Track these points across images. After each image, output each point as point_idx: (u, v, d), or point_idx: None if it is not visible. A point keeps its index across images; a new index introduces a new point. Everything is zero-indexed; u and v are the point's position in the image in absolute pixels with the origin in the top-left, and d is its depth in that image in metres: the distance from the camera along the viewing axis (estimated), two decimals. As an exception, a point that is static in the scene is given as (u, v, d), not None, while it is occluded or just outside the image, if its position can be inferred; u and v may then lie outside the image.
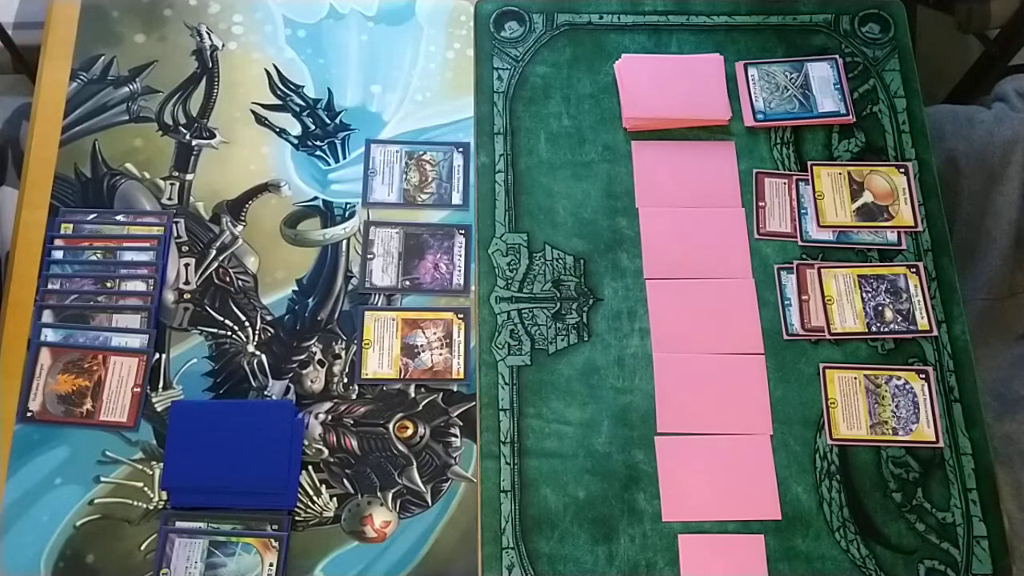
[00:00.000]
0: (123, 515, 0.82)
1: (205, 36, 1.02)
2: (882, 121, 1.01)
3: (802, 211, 0.97)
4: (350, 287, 0.92)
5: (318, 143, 0.98)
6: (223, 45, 1.02)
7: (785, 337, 0.91)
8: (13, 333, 0.88)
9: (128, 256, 0.92)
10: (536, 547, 0.83)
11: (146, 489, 0.83)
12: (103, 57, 1.01)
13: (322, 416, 0.87)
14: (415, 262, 0.93)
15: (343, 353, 0.89)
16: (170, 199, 0.95)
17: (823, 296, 0.93)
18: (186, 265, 0.92)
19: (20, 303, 0.89)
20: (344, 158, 0.98)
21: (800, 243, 0.95)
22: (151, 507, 0.83)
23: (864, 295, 0.93)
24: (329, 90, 1.01)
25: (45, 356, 0.87)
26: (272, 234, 0.94)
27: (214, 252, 0.93)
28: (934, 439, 0.88)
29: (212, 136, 0.98)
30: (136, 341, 0.88)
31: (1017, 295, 1.03)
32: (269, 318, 0.90)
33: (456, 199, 0.97)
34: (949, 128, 1.07)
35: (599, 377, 0.89)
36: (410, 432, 0.87)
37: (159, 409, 0.86)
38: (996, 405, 0.97)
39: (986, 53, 1.40)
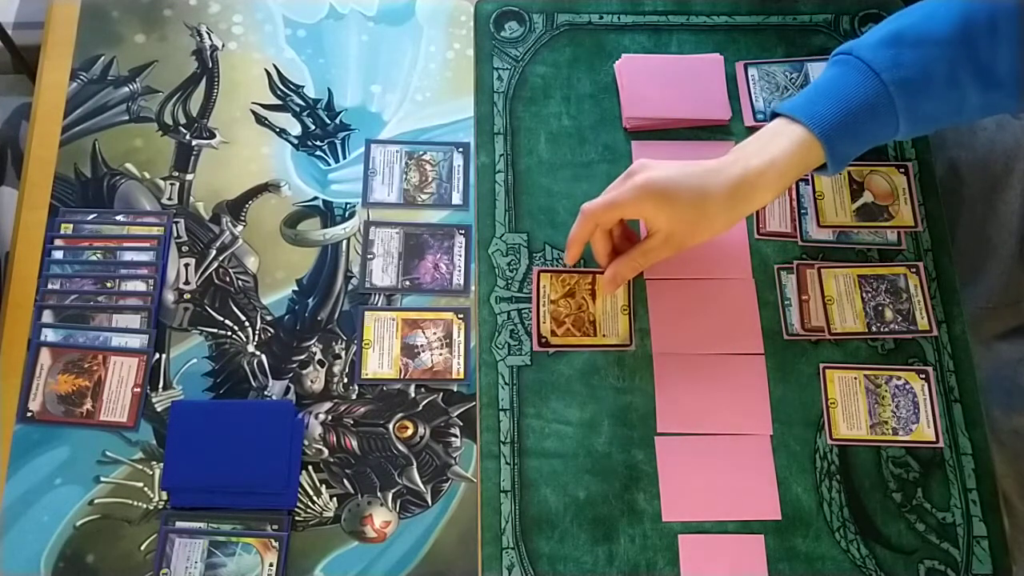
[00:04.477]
0: (123, 515, 0.82)
1: (205, 36, 1.02)
2: (882, 121, 1.01)
3: (802, 211, 0.97)
4: (350, 287, 0.92)
5: (318, 143, 0.98)
6: (223, 45, 1.02)
7: (785, 337, 0.91)
8: (13, 333, 0.88)
9: (128, 256, 0.92)
10: (536, 547, 0.83)
11: (146, 489, 0.83)
12: (103, 57, 1.01)
13: (322, 416, 0.87)
14: (415, 262, 0.93)
15: (343, 353, 0.89)
16: (170, 199, 0.95)
17: (823, 296, 0.92)
18: (186, 265, 0.92)
19: (20, 303, 0.89)
20: (344, 158, 0.98)
21: (800, 243, 0.95)
22: (151, 507, 0.83)
23: (864, 295, 0.93)
24: (329, 90, 1.01)
25: (45, 356, 0.87)
26: (272, 234, 0.94)
27: (214, 252, 0.93)
28: (934, 439, 0.88)
29: (212, 136, 0.98)
30: (136, 341, 0.88)
31: (1022, 302, 1.01)
32: (269, 318, 0.90)
33: (456, 199, 0.97)
34: (951, 135, 1.06)
35: (599, 377, 0.89)
36: (410, 432, 0.87)
37: (159, 409, 0.86)
38: (1004, 399, 0.95)
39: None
